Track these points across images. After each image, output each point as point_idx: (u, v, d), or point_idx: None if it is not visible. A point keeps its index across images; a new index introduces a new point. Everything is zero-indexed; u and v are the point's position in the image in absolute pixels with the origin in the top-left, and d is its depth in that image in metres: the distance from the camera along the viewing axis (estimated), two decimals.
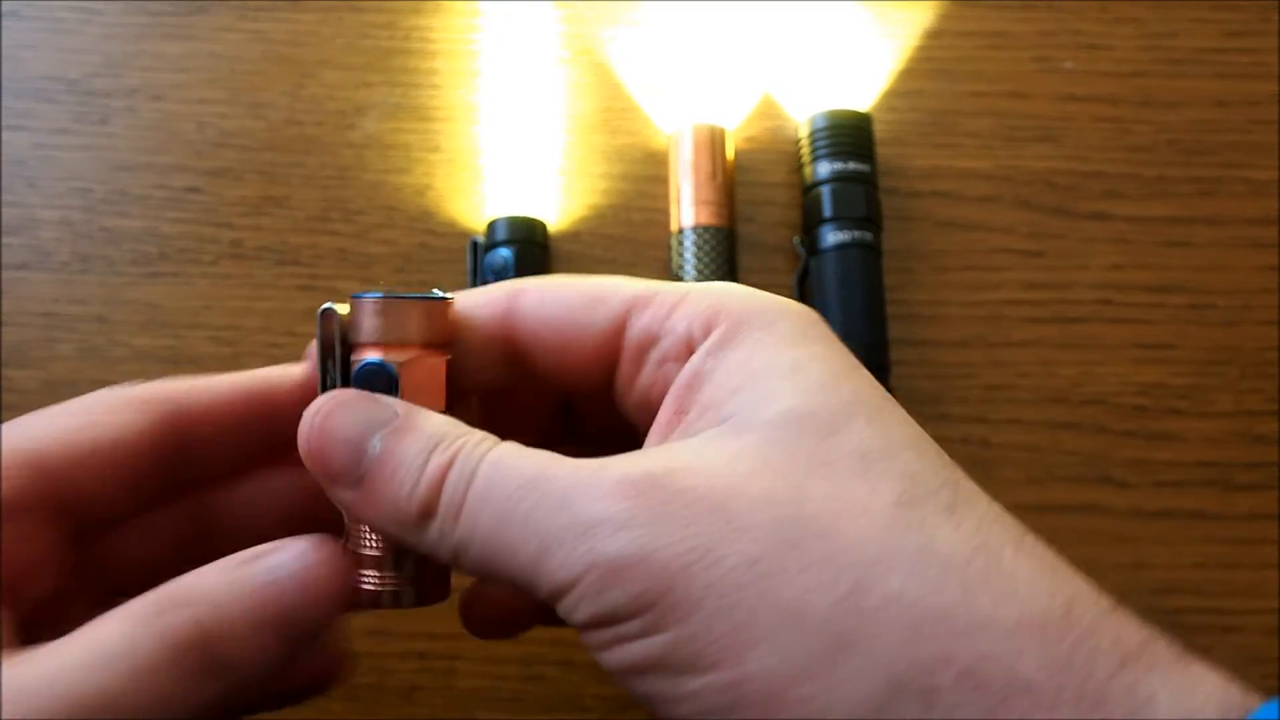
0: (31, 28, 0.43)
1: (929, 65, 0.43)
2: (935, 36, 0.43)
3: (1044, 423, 0.39)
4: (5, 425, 0.23)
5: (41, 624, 0.22)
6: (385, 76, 0.43)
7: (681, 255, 0.40)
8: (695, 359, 0.22)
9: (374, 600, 0.23)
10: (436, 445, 0.21)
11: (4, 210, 0.41)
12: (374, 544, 0.23)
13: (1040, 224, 0.41)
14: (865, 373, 0.22)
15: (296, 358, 0.40)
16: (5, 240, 0.41)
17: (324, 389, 0.23)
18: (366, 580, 0.23)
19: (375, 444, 0.21)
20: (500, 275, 0.38)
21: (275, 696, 0.25)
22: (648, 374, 0.23)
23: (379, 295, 0.23)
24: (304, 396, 0.23)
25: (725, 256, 0.39)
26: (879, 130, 0.41)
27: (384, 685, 0.37)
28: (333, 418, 0.22)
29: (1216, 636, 0.37)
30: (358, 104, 0.43)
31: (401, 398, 0.22)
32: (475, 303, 0.25)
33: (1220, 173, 0.42)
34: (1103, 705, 0.17)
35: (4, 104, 0.42)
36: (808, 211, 0.40)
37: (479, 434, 0.21)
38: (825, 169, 0.40)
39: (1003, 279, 0.41)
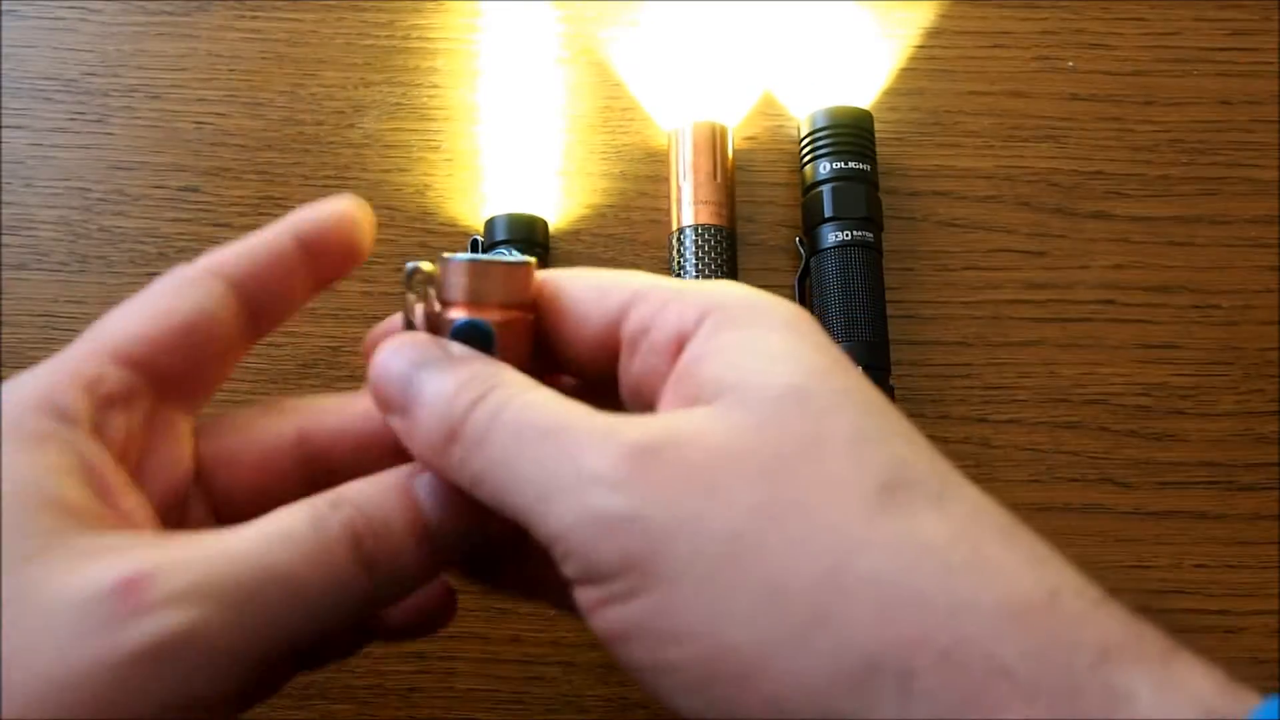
0: (30, 27, 0.43)
1: (930, 64, 0.43)
2: (936, 35, 0.43)
3: (1045, 423, 0.39)
4: (97, 323, 0.25)
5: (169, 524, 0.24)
6: (385, 76, 0.43)
7: (681, 255, 0.39)
8: (694, 344, 0.22)
9: None
10: (472, 379, 0.22)
11: (2, 210, 0.41)
12: None
13: (1042, 224, 0.41)
14: (858, 369, 0.23)
15: (296, 358, 0.40)
16: (3, 240, 0.41)
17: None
18: None
19: (420, 375, 0.23)
20: None
21: (394, 631, 0.28)
22: (638, 365, 0.24)
23: (470, 258, 0.24)
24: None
25: (725, 256, 0.39)
26: (879, 129, 0.41)
27: (384, 686, 0.37)
28: (388, 351, 0.23)
29: (1219, 637, 0.37)
30: (357, 103, 0.42)
31: (497, 354, 0.24)
32: None
33: (1223, 172, 0.42)
34: (1079, 697, 0.17)
35: (2, 103, 0.42)
36: (808, 211, 0.40)
37: (520, 377, 0.22)
38: (825, 168, 0.39)
39: (1004, 279, 0.41)
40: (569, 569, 0.20)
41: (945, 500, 0.19)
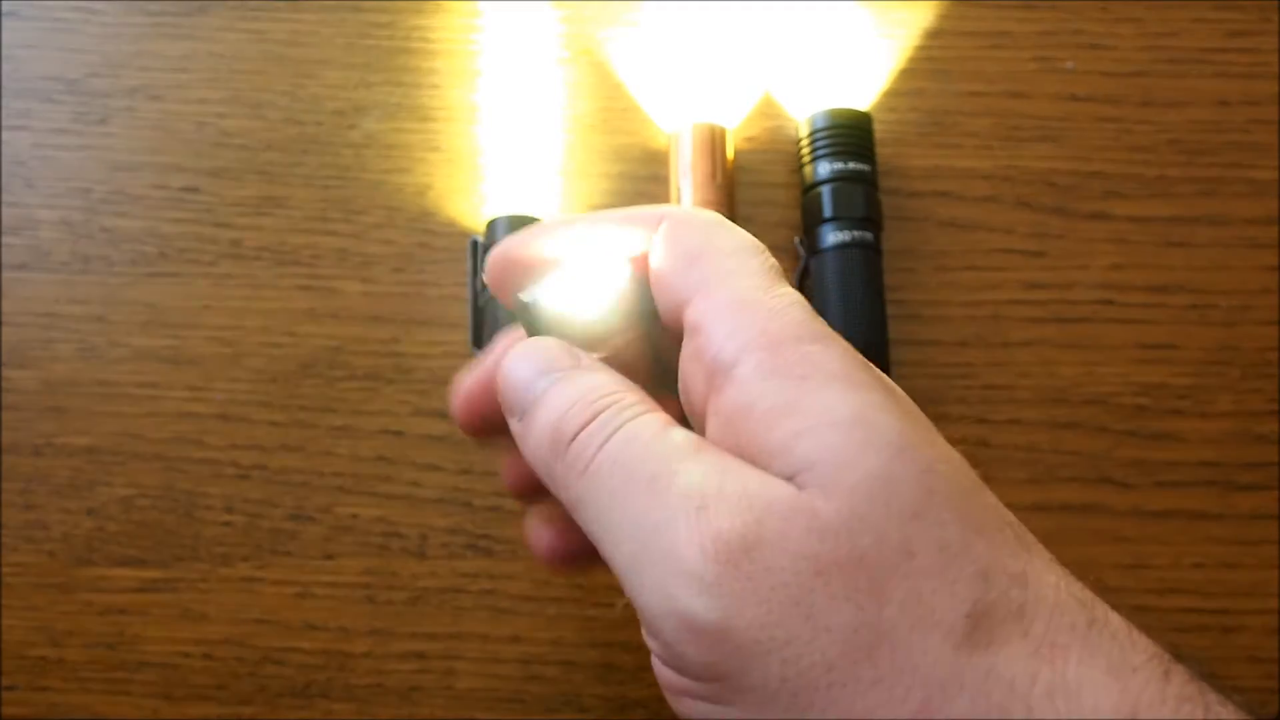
0: (31, 27, 0.43)
1: (929, 65, 0.43)
2: (935, 36, 0.43)
3: (1044, 423, 0.39)
4: None
5: None
6: (385, 76, 0.43)
7: None
8: (742, 382, 0.21)
9: None
10: (585, 398, 0.22)
11: (3, 210, 0.41)
12: None
13: (1041, 224, 0.41)
14: (919, 414, 0.22)
15: (296, 358, 0.40)
16: (5, 240, 0.41)
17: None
18: None
19: (542, 384, 0.23)
20: None
21: None
22: (686, 361, 0.23)
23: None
24: None
25: None
26: (879, 130, 0.41)
27: (384, 685, 0.37)
28: (517, 355, 0.24)
29: (1217, 637, 0.37)
30: (358, 104, 0.43)
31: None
32: (626, 233, 0.25)
33: (1221, 173, 0.42)
34: None
35: (4, 104, 0.42)
36: (808, 211, 0.40)
37: (633, 398, 0.22)
38: (825, 169, 0.39)
39: (1003, 279, 0.41)
40: (654, 647, 0.21)
41: (1026, 614, 0.19)
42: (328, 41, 0.43)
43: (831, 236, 0.39)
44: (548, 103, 0.43)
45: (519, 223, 0.40)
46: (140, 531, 0.38)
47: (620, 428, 0.22)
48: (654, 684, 0.37)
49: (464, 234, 0.41)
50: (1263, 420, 0.39)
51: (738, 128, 0.43)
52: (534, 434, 0.23)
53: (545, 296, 0.25)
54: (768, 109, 0.43)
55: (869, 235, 0.39)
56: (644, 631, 0.21)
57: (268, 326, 0.40)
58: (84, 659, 0.37)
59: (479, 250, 0.40)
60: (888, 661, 0.19)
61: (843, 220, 0.39)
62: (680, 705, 0.21)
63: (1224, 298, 0.41)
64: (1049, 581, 0.20)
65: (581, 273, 0.25)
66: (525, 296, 0.25)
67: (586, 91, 0.43)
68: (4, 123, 0.42)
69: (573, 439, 0.22)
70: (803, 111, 0.41)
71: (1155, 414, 0.39)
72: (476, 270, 0.40)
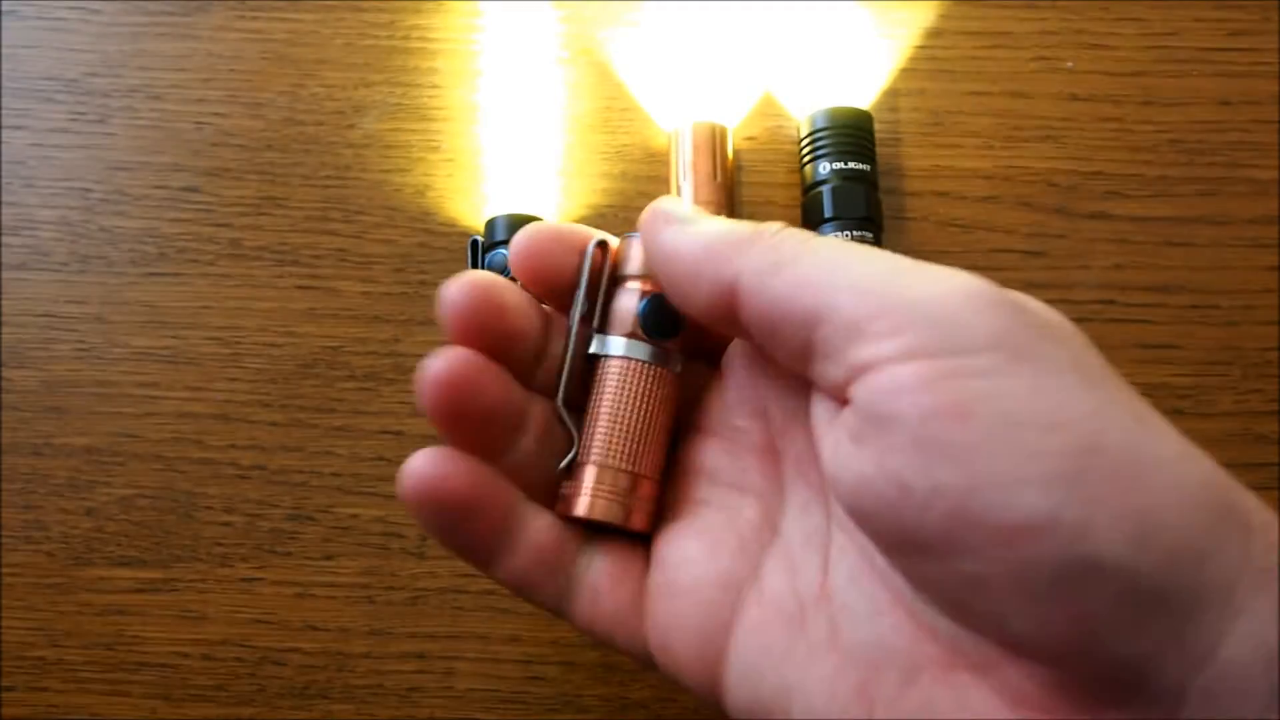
0: (30, 27, 0.43)
1: (930, 65, 0.43)
2: (936, 36, 0.43)
3: None
4: None
5: None
6: (385, 76, 0.43)
7: None
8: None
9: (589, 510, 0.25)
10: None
11: (3, 210, 0.41)
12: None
13: (1041, 224, 0.41)
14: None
15: (296, 358, 0.40)
16: (4, 240, 0.41)
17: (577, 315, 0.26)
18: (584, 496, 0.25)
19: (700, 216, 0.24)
20: (501, 274, 0.38)
21: None
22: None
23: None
24: None
25: None
26: (879, 130, 0.41)
27: (384, 685, 0.37)
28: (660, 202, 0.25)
29: None
30: (358, 103, 0.43)
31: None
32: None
33: (1222, 173, 0.42)
34: None
35: (2, 103, 0.42)
36: (808, 211, 0.40)
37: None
38: (825, 168, 0.39)
39: (1003, 279, 0.40)
40: (921, 343, 0.19)
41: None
42: (328, 41, 0.43)
43: (832, 236, 0.39)
44: (548, 103, 0.43)
45: (519, 222, 0.40)
46: (139, 532, 0.38)
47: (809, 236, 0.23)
48: (654, 684, 0.37)
49: (464, 234, 0.41)
50: (1263, 420, 0.39)
51: (738, 127, 0.43)
52: (717, 227, 0.23)
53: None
54: (768, 109, 0.43)
55: (869, 235, 0.39)
56: (862, 339, 0.20)
57: (267, 326, 0.40)
58: (83, 659, 0.37)
59: (479, 250, 0.40)
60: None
61: (843, 220, 0.39)
62: (936, 390, 0.19)
63: (1225, 298, 0.41)
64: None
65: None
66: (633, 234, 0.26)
67: (586, 91, 0.43)
68: (3, 122, 0.42)
69: (777, 234, 0.23)
70: (803, 111, 0.41)
71: None
72: (477, 269, 0.40)
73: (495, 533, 0.25)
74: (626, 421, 0.25)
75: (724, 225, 0.23)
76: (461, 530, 0.24)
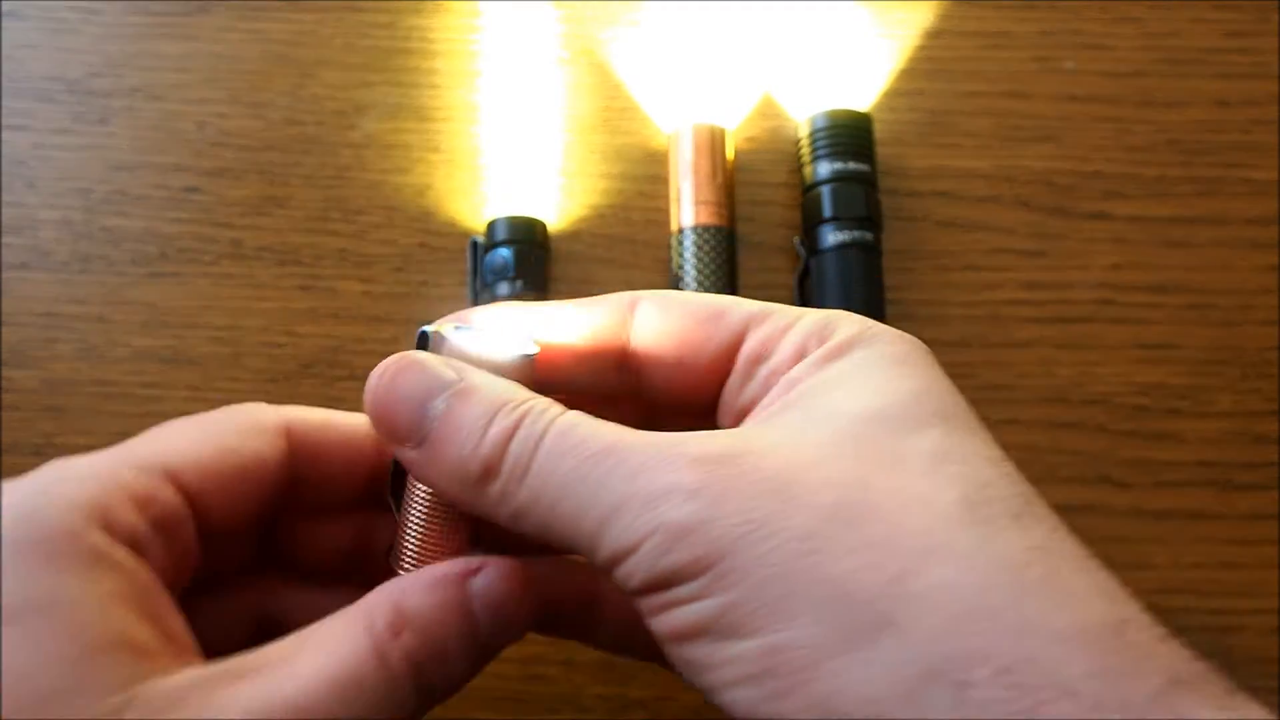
0: (31, 28, 0.43)
1: (929, 65, 0.43)
2: (935, 36, 0.43)
3: (1044, 423, 0.39)
4: (147, 436, 0.24)
5: None
6: (385, 76, 0.43)
7: (681, 255, 0.40)
8: (797, 368, 0.23)
9: None
10: (501, 407, 0.22)
11: (4, 210, 0.41)
12: (411, 561, 0.24)
13: (1040, 224, 0.41)
14: (959, 396, 0.22)
15: (297, 358, 0.40)
16: (5, 240, 0.41)
17: None
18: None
19: (439, 404, 0.22)
20: (500, 275, 0.38)
21: None
22: (753, 388, 0.24)
23: (473, 349, 0.24)
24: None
25: (725, 256, 0.39)
26: (879, 130, 0.41)
27: None
28: (399, 377, 0.23)
29: (1216, 636, 0.37)
30: (358, 104, 0.43)
31: None
32: (593, 312, 0.25)
33: (1220, 173, 0.42)
34: None
35: (4, 104, 0.42)
36: (808, 211, 0.40)
37: (545, 400, 0.22)
38: (825, 169, 0.39)
39: (1003, 279, 0.41)
40: (635, 581, 0.20)
41: (1023, 520, 0.20)
42: (328, 41, 0.43)
43: (831, 236, 0.39)
44: (548, 103, 0.43)
45: (519, 223, 0.40)
46: None
47: (551, 423, 0.21)
48: (654, 684, 0.37)
49: (464, 234, 0.41)
50: (1262, 420, 0.39)
51: (738, 128, 0.43)
52: (449, 458, 0.22)
53: (450, 333, 0.24)
54: (768, 109, 0.43)
55: (869, 235, 0.39)
56: (623, 580, 0.20)
57: (268, 326, 0.40)
58: None
59: (479, 250, 0.40)
60: (870, 530, 0.19)
61: (843, 220, 0.39)
62: (666, 620, 0.20)
63: (1223, 298, 0.41)
64: (1050, 515, 0.21)
65: (491, 331, 0.24)
66: (429, 327, 0.24)
67: (586, 91, 0.43)
68: (4, 123, 0.42)
69: (505, 450, 0.21)
70: (803, 111, 0.41)
71: (1154, 414, 0.40)
72: (476, 270, 0.40)
73: None
74: (415, 526, 0.24)
75: (463, 455, 0.22)
76: None
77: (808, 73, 0.43)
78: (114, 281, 0.41)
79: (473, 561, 0.23)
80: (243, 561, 0.26)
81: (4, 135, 0.42)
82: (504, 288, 0.38)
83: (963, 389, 0.40)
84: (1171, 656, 0.18)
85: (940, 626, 0.18)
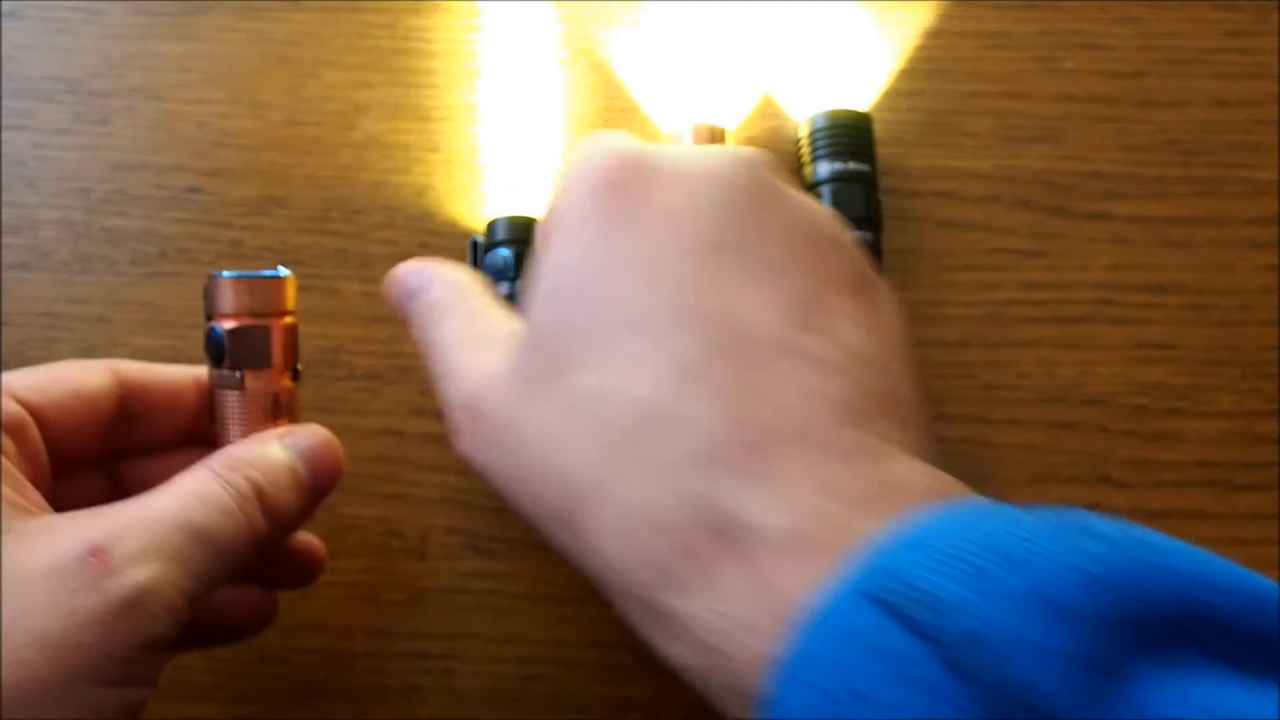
0: (31, 28, 0.43)
1: (929, 65, 0.43)
2: (935, 36, 0.43)
3: (1044, 423, 0.39)
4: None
5: None
6: (385, 77, 0.43)
7: None
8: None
9: None
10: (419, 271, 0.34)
11: (4, 210, 0.41)
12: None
13: (1040, 224, 0.41)
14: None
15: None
16: (5, 240, 0.41)
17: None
18: None
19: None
20: (500, 275, 0.38)
21: (221, 632, 0.33)
22: None
23: (227, 275, 0.31)
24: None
25: None
26: (879, 130, 0.41)
27: (384, 685, 0.37)
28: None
29: None
30: (358, 104, 0.43)
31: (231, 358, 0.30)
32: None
33: (1220, 173, 0.42)
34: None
35: (4, 104, 0.42)
36: None
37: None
38: (825, 169, 0.39)
39: (1002, 279, 0.41)
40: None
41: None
42: (328, 41, 0.43)
43: None
44: (548, 103, 0.43)
45: (519, 223, 0.40)
46: None
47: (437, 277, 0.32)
48: (655, 684, 0.38)
49: (464, 234, 0.41)
50: (1262, 420, 0.39)
51: (738, 128, 0.43)
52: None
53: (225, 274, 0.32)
54: (768, 109, 0.43)
55: (869, 235, 0.39)
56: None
57: None
58: None
59: (479, 250, 0.40)
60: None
61: (842, 220, 0.39)
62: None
63: (1223, 298, 0.41)
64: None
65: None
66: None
67: (586, 91, 0.43)
68: (4, 123, 0.42)
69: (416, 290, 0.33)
70: (803, 111, 0.41)
71: (1154, 414, 0.40)
72: (476, 270, 0.40)
73: None
74: (233, 422, 0.30)
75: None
76: None
77: (808, 73, 0.43)
78: (114, 281, 0.41)
79: (279, 428, 0.30)
80: (92, 496, 0.31)
81: (4, 135, 0.42)
82: (504, 287, 0.38)
83: (962, 389, 0.40)
84: (892, 466, 0.23)
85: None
